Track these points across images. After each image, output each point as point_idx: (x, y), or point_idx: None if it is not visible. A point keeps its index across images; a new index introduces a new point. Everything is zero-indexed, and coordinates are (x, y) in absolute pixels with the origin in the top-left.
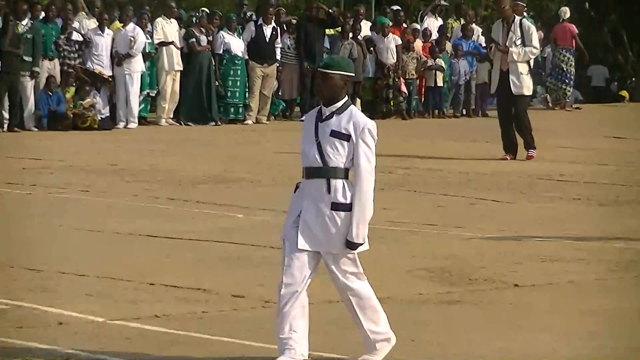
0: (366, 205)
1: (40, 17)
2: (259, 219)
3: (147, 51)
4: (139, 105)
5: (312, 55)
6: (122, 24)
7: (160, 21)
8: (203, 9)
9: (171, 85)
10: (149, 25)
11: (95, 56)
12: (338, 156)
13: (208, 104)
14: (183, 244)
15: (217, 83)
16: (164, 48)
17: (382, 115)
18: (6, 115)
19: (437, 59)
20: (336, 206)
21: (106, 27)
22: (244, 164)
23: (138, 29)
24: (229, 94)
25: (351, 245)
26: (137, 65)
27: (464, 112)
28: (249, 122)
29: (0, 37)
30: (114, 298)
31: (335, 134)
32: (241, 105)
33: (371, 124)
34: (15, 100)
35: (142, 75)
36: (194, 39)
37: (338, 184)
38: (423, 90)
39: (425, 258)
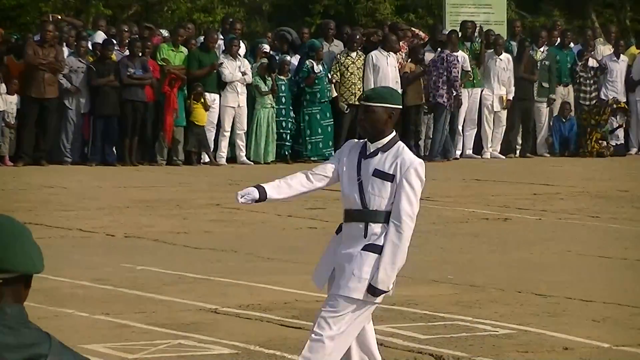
0: (398, 251)
1: (556, 44)
2: None
3: None
4: None
5: None
6: (638, 51)
7: None
8: None
9: None
10: None
11: (609, 82)
12: (380, 198)
13: None
14: None
15: None
16: None
17: None
18: (519, 140)
19: None
20: (369, 247)
21: (621, 54)
22: None
23: None
24: None
25: (373, 291)
26: None
27: None
28: None
29: (516, 63)
30: (621, 324)
31: (379, 174)
32: None
33: (419, 163)
34: (529, 125)
35: None
36: None
37: (376, 228)
38: None
39: None
